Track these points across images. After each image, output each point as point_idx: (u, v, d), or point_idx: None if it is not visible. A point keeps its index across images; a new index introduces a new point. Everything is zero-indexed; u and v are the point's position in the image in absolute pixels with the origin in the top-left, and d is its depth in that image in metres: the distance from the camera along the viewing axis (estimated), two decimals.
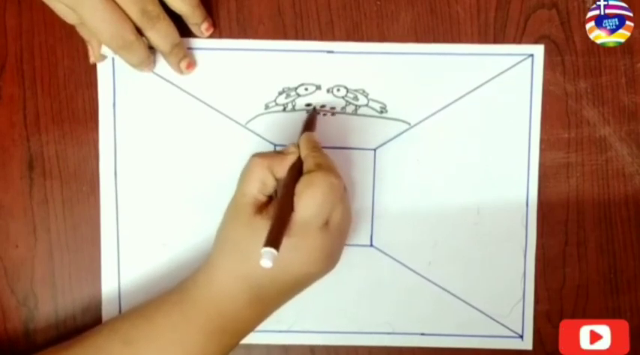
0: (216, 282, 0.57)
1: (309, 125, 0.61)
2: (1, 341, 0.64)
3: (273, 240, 0.52)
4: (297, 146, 0.58)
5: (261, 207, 0.56)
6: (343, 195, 0.57)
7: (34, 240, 0.64)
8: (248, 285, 0.56)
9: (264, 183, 0.57)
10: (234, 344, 0.59)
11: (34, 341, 0.64)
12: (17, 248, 0.64)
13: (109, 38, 0.57)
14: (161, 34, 0.58)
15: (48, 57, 0.63)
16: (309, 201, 0.55)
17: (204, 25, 0.61)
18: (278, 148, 0.64)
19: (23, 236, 0.64)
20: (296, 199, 0.55)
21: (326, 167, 0.56)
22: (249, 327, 0.58)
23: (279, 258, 0.51)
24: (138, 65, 0.60)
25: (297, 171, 0.57)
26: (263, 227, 0.54)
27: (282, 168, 0.57)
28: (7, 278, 0.64)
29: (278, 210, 0.54)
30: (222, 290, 0.57)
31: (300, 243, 0.55)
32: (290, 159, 0.57)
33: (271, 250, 0.51)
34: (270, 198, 0.58)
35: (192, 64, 0.63)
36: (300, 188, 0.55)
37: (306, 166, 0.57)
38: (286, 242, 0.53)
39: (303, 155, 0.58)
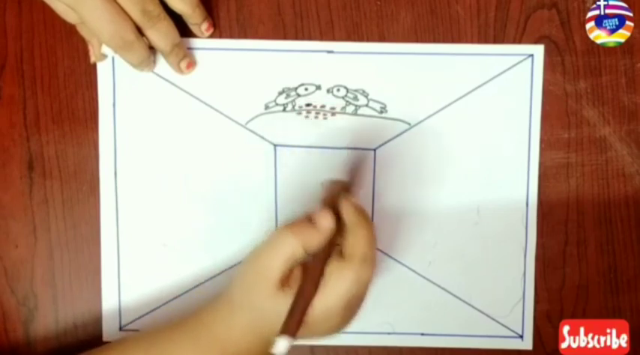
0: (235, 327, 0.56)
1: (349, 184, 0.59)
2: (1, 341, 0.64)
3: (290, 329, 0.52)
4: (329, 213, 0.55)
5: (284, 280, 0.54)
6: (369, 281, 0.55)
7: (34, 240, 0.64)
8: (265, 338, 0.55)
9: (294, 259, 0.54)
10: None
11: (34, 342, 0.64)
12: (17, 248, 0.64)
13: (109, 37, 0.56)
14: (161, 33, 0.58)
15: (48, 57, 0.63)
16: (337, 290, 0.53)
17: (205, 25, 0.61)
18: (278, 149, 0.64)
19: (23, 236, 0.64)
20: (324, 281, 0.54)
21: (362, 256, 0.54)
22: None
23: None
24: (138, 65, 0.60)
25: (327, 247, 0.54)
26: (285, 301, 0.53)
27: (316, 246, 0.54)
28: (7, 278, 0.64)
29: (300, 296, 0.53)
30: (241, 335, 0.56)
31: (317, 324, 0.54)
32: (325, 237, 0.54)
33: (286, 340, 0.51)
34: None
35: (192, 64, 0.63)
36: (330, 274, 0.54)
37: (345, 244, 0.55)
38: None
39: (347, 221, 0.55)
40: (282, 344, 0.50)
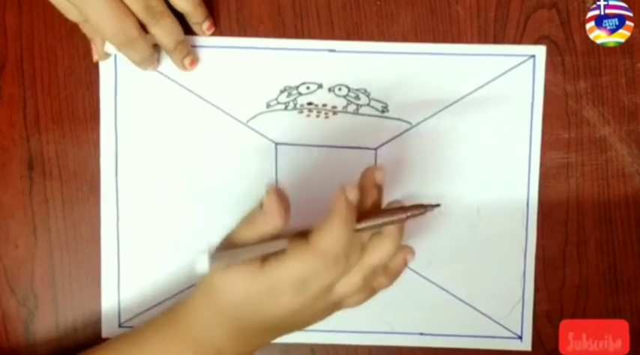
0: (200, 311, 0.56)
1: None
2: (1, 341, 0.64)
3: (218, 251, 0.52)
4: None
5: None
6: (331, 279, 0.54)
7: (34, 240, 0.64)
8: (228, 317, 0.54)
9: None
10: None
11: (34, 341, 0.64)
12: (17, 248, 0.64)
13: (112, 34, 0.56)
14: (165, 30, 0.58)
15: (48, 57, 0.63)
16: (287, 263, 0.52)
17: (206, 24, 0.61)
18: (279, 148, 0.64)
19: (23, 236, 0.64)
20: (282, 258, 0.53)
21: (334, 250, 0.52)
22: None
23: (250, 291, 0.52)
24: (141, 62, 0.60)
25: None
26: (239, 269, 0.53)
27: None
28: (7, 278, 0.64)
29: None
30: (205, 319, 0.55)
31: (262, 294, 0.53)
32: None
33: (206, 259, 0.51)
34: None
35: (195, 61, 0.62)
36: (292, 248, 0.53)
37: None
38: (255, 280, 0.52)
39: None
40: (203, 259, 0.51)
